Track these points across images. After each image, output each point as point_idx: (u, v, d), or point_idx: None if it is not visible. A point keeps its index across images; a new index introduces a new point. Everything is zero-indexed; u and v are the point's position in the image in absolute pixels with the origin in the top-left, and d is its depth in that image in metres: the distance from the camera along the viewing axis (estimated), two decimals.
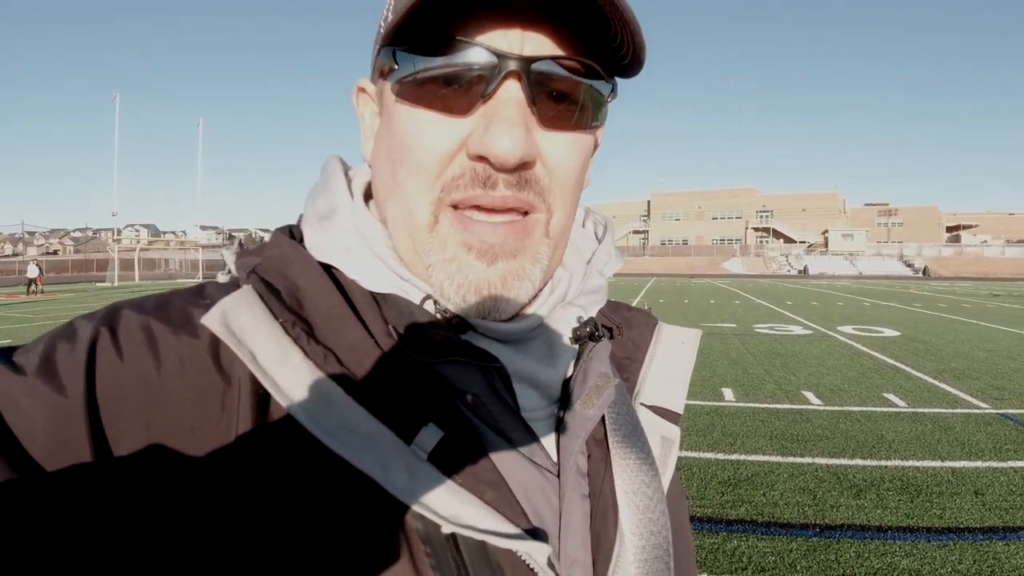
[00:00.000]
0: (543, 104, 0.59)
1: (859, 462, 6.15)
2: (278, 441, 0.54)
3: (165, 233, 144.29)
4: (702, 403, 8.49)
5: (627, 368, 0.79)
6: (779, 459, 6.22)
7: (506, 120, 0.57)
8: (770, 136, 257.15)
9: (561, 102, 0.61)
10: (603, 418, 0.69)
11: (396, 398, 0.57)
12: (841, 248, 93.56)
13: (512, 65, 0.56)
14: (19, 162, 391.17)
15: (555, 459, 0.63)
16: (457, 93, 0.58)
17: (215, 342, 0.56)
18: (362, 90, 0.71)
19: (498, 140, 0.56)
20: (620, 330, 0.80)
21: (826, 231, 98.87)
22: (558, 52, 0.59)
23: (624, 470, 0.67)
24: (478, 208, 0.60)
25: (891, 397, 8.92)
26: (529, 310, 0.68)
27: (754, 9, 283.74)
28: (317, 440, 0.53)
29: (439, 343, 0.59)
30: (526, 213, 0.62)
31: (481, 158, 0.58)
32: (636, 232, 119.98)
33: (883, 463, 6.12)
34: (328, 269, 0.63)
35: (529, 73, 0.57)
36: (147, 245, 79.83)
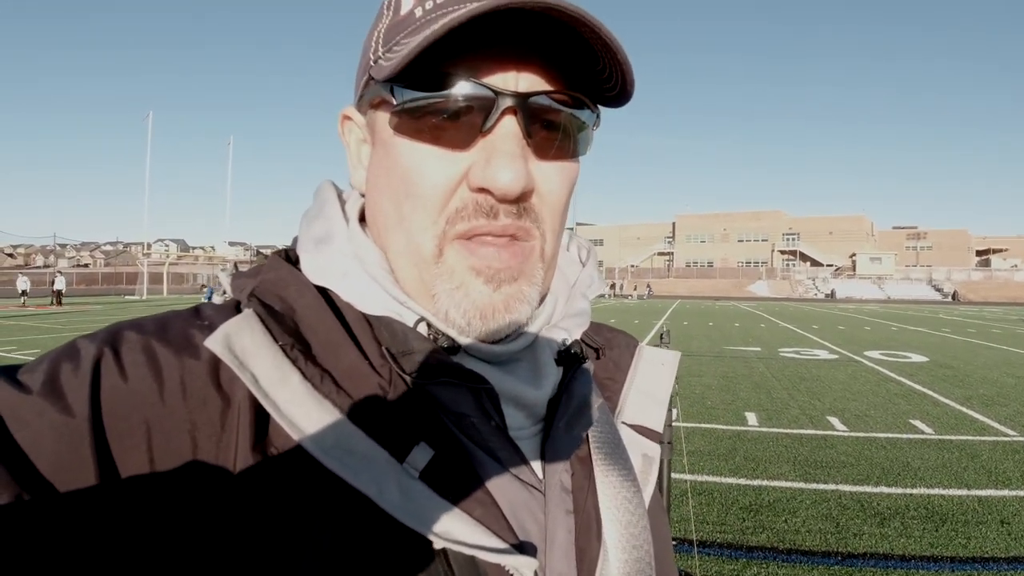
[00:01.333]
0: (537, 136, 0.63)
1: (884, 489, 6.07)
2: (277, 461, 0.55)
3: (194, 248, 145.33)
4: (724, 427, 8.44)
5: (609, 388, 0.82)
6: (802, 485, 6.16)
7: (507, 154, 0.60)
8: (796, 159, 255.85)
9: (553, 133, 0.64)
10: (587, 436, 0.71)
11: (389, 418, 0.59)
12: (869, 272, 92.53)
13: (509, 102, 0.59)
14: (53, 177, 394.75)
15: (541, 476, 0.65)
16: (456, 128, 0.60)
17: (215, 363, 0.57)
18: (347, 118, 0.73)
19: (500, 173, 0.59)
20: (603, 351, 0.83)
21: (854, 254, 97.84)
22: (549, 87, 0.62)
23: (607, 487, 0.69)
24: (481, 236, 0.62)
25: (918, 423, 8.80)
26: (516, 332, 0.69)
27: (780, 34, 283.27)
28: (314, 459, 0.55)
29: (431, 365, 0.61)
30: (523, 240, 0.64)
31: (483, 190, 0.60)
32: (661, 254, 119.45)
33: (908, 491, 6.04)
34: (323, 292, 0.65)
35: (525, 108, 0.60)
36: (176, 260, 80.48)
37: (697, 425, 8.49)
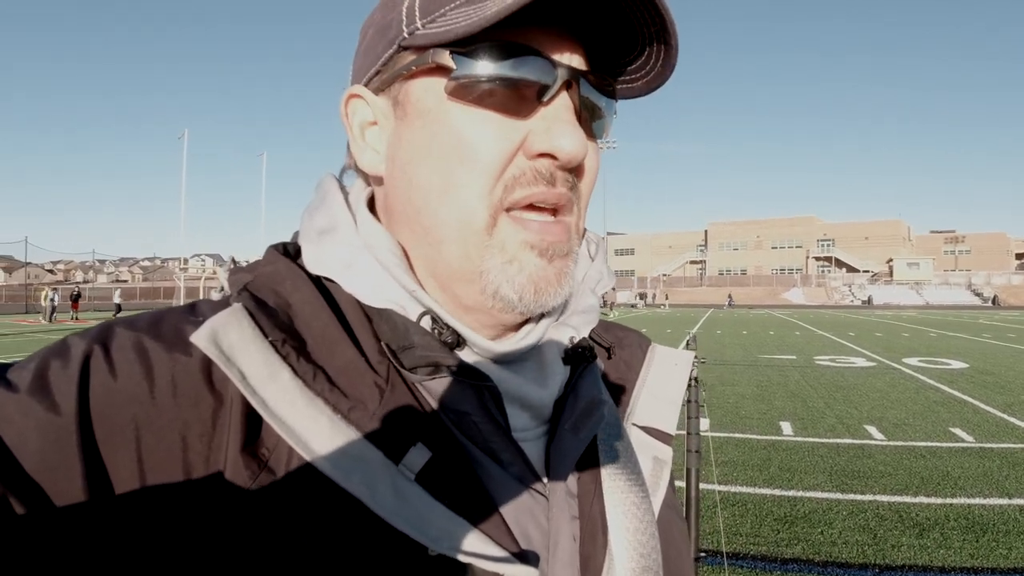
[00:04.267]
0: (584, 114, 0.65)
1: (922, 500, 5.95)
2: (267, 462, 0.54)
3: None
4: (759, 437, 8.34)
5: (619, 388, 0.80)
6: (838, 496, 6.06)
7: (569, 123, 0.61)
8: (830, 163, 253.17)
9: (594, 114, 0.66)
10: (594, 438, 0.69)
11: (385, 417, 0.57)
12: (906, 277, 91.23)
13: (568, 75, 0.61)
14: (92, 193, 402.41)
15: (545, 480, 0.64)
16: (515, 97, 0.61)
17: (207, 360, 0.56)
18: (355, 96, 0.69)
19: (566, 139, 0.60)
20: (613, 350, 0.82)
21: (890, 260, 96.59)
22: (598, 69, 0.65)
23: (614, 492, 0.67)
24: (532, 207, 0.62)
25: (958, 432, 8.63)
26: (524, 329, 0.68)
27: (813, 38, 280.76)
28: (305, 460, 0.53)
29: (432, 361, 0.60)
30: (565, 215, 0.64)
31: (544, 155, 0.61)
32: (693, 262, 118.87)
33: (948, 501, 5.92)
34: (323, 286, 0.64)
35: (580, 84, 0.63)
36: (212, 274, 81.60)
37: (731, 435, 8.41)
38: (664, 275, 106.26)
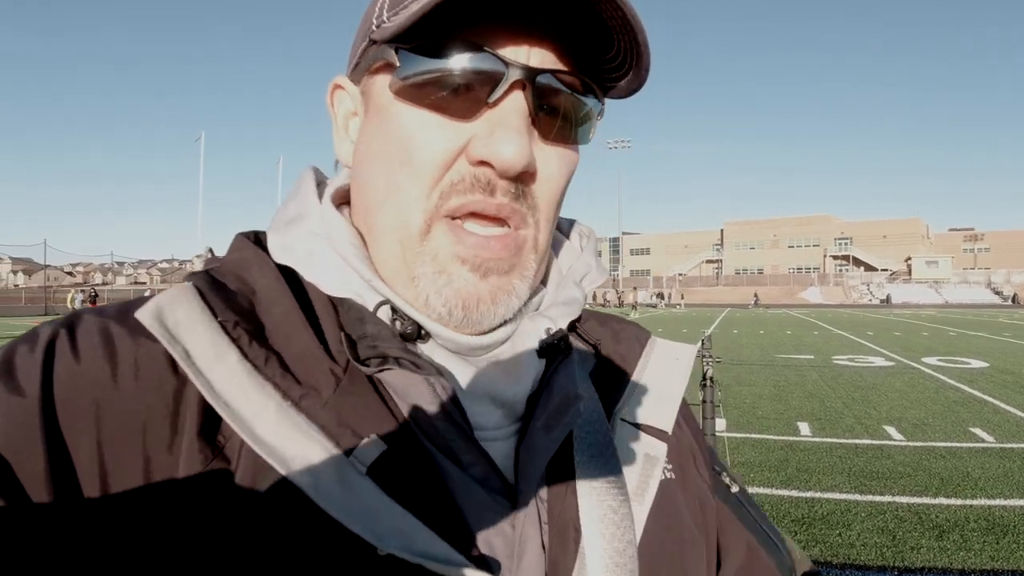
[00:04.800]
0: (542, 116, 0.61)
1: (942, 501, 5.89)
2: (222, 448, 0.53)
3: None
4: (776, 437, 8.28)
5: (611, 383, 0.75)
6: (857, 497, 6.01)
7: (513, 128, 0.57)
8: (847, 162, 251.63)
9: (558, 116, 0.62)
10: (570, 437, 0.64)
11: (338, 406, 0.55)
12: (925, 276, 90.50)
13: (519, 75, 0.57)
14: (110, 196, 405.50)
15: (513, 481, 0.60)
16: (461, 97, 0.58)
17: None
18: (339, 87, 0.70)
19: (504, 146, 0.56)
20: (600, 346, 0.78)
21: (909, 258, 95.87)
22: (561, 67, 0.61)
23: (589, 495, 0.62)
24: (474, 216, 0.60)
25: (978, 432, 8.53)
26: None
27: (828, 37, 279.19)
28: (249, 447, 0.52)
29: (385, 352, 0.58)
30: (515, 228, 0.62)
31: (483, 163, 0.58)
32: (709, 261, 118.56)
33: (968, 502, 5.85)
34: (290, 275, 0.63)
35: (534, 84, 0.59)
36: None
37: (748, 435, 8.36)
38: (680, 275, 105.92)
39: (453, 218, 0.60)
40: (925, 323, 35.18)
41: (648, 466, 0.69)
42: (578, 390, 0.65)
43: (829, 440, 8.16)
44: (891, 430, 8.66)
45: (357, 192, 0.67)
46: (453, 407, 0.59)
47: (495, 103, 0.58)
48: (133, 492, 0.50)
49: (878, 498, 5.98)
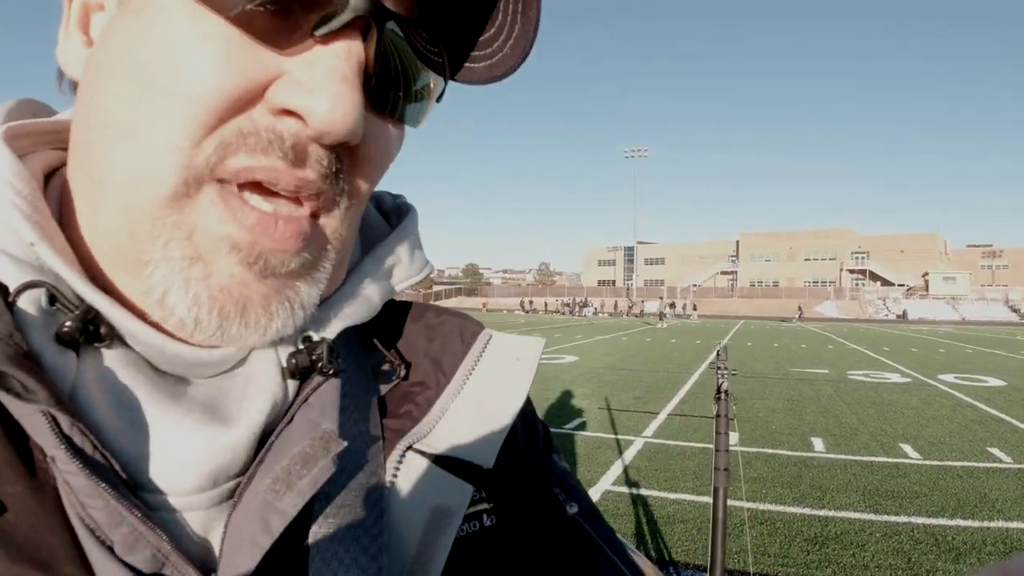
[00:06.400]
0: (381, 78, 0.45)
1: (959, 522, 5.77)
2: None
3: None
4: (789, 453, 8.17)
5: (414, 400, 0.56)
6: (871, 517, 5.90)
7: (343, 77, 0.41)
8: (865, 175, 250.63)
9: (398, 83, 0.47)
10: (312, 500, 0.45)
11: None
12: (942, 292, 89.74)
13: (366, 9, 0.41)
14: None
15: (215, 568, 0.42)
16: (279, 16, 0.40)
17: None
18: None
19: (326, 98, 0.40)
20: (404, 350, 0.60)
21: (926, 274, 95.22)
22: (418, 19, 0.47)
23: None
24: (259, 188, 0.42)
25: (995, 452, 8.40)
26: None
27: (847, 46, 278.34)
28: None
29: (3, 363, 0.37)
30: (315, 213, 0.46)
31: (290, 113, 0.41)
32: (724, 273, 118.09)
33: (985, 524, 5.74)
34: None
35: (382, 31, 0.43)
36: None
37: (760, 450, 8.25)
38: (695, 285, 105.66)
39: (226, 183, 0.42)
40: (942, 339, 34.92)
41: (438, 523, 0.51)
42: (336, 426, 0.47)
43: (844, 457, 8.04)
44: (907, 448, 8.53)
45: (80, 123, 0.45)
46: (99, 456, 0.39)
47: (324, 38, 0.41)
48: None
49: (893, 518, 5.88)
